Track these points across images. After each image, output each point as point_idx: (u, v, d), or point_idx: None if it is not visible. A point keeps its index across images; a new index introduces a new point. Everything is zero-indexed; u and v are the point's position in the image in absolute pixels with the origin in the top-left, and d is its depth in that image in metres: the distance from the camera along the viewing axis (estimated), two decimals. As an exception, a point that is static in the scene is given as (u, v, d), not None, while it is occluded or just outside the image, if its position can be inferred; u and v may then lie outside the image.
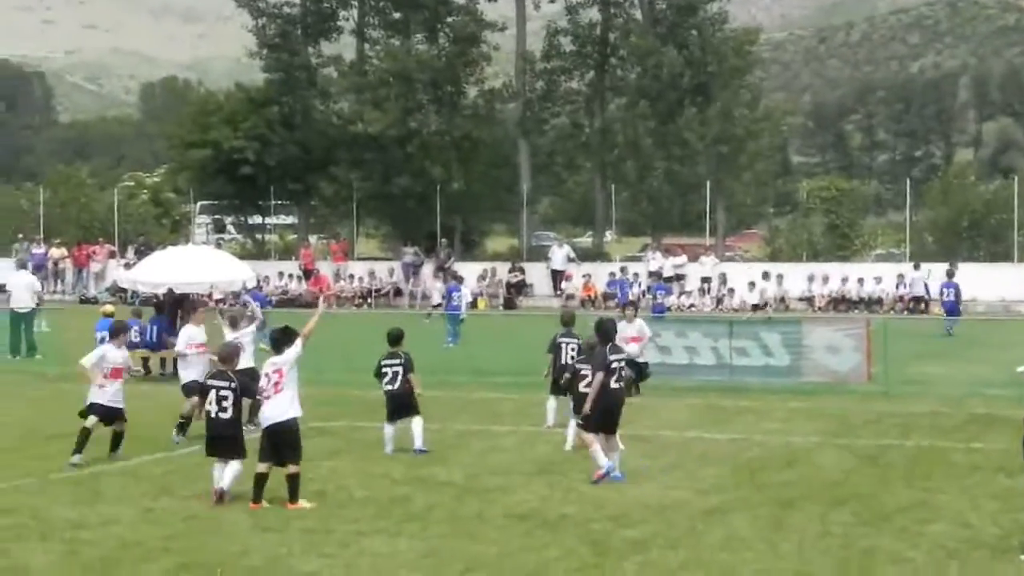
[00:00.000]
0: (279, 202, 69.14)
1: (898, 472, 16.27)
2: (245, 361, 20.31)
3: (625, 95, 64.86)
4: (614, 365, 15.91)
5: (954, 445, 16.63)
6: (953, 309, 39.14)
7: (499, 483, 15.81)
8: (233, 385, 14.79)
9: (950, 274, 41.08)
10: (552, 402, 19.93)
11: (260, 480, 14.26)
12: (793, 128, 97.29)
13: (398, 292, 55.72)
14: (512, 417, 17.01)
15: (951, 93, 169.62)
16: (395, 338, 18.22)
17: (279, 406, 14.32)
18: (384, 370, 17.93)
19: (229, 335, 20.53)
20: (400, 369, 17.84)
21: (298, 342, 14.62)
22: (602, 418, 15.76)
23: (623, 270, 53.37)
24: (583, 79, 65.87)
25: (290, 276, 55.98)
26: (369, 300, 54.44)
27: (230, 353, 15.55)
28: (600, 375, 15.71)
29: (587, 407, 15.73)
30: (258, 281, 37.68)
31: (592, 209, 69.52)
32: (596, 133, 65.26)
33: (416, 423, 17.82)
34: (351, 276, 56.79)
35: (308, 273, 54.76)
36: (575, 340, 19.95)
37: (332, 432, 19.94)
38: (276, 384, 14.34)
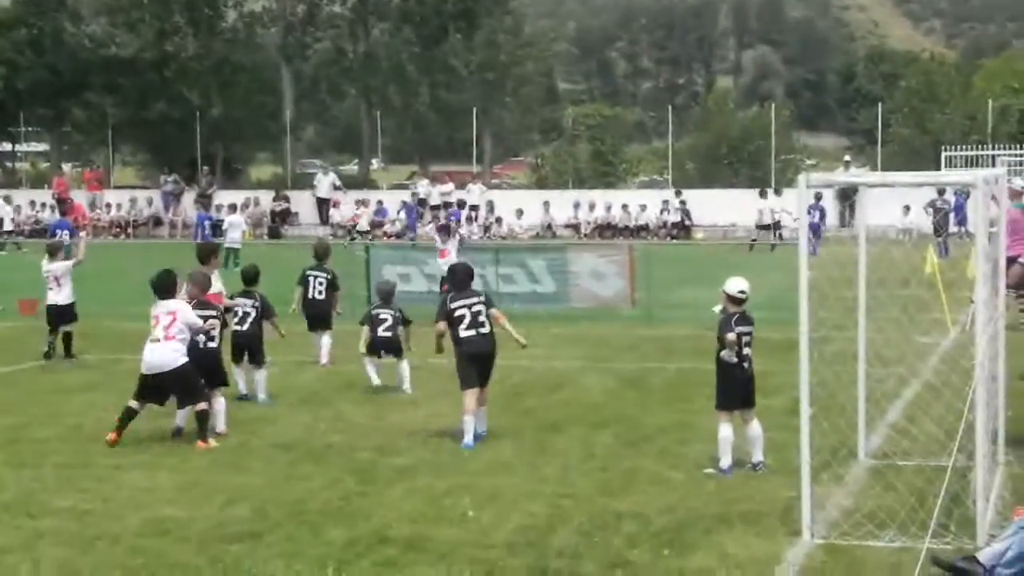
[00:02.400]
0: (29, 128, 66.64)
1: (659, 394, 16.65)
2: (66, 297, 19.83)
3: (388, 20, 64.37)
4: (459, 312, 13.97)
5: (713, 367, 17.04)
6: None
7: (262, 413, 15.58)
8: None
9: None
10: (323, 339, 19.66)
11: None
12: (558, 55, 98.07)
13: (158, 222, 54.40)
14: (272, 347, 16.76)
15: (712, 21, 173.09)
16: (251, 277, 17.17)
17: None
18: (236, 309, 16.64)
19: (47, 266, 19.97)
20: (253, 312, 16.62)
21: None
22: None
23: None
24: (345, 3, 65.08)
25: (43, 205, 53.97)
26: (128, 230, 52.99)
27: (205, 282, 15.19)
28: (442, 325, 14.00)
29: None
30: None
31: (358, 136, 68.95)
32: (360, 58, 64.64)
33: (262, 374, 16.60)
34: (107, 205, 55.11)
35: (62, 202, 52.88)
36: (324, 275, 19.77)
37: (89, 365, 19.40)
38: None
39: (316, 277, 19.78)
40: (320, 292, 19.60)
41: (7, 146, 69.06)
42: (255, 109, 64.65)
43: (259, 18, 65.63)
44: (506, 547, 9.97)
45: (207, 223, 37.97)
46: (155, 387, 13.96)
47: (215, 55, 62.18)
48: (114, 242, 48.69)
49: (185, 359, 13.92)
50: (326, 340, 19.52)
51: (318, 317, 19.74)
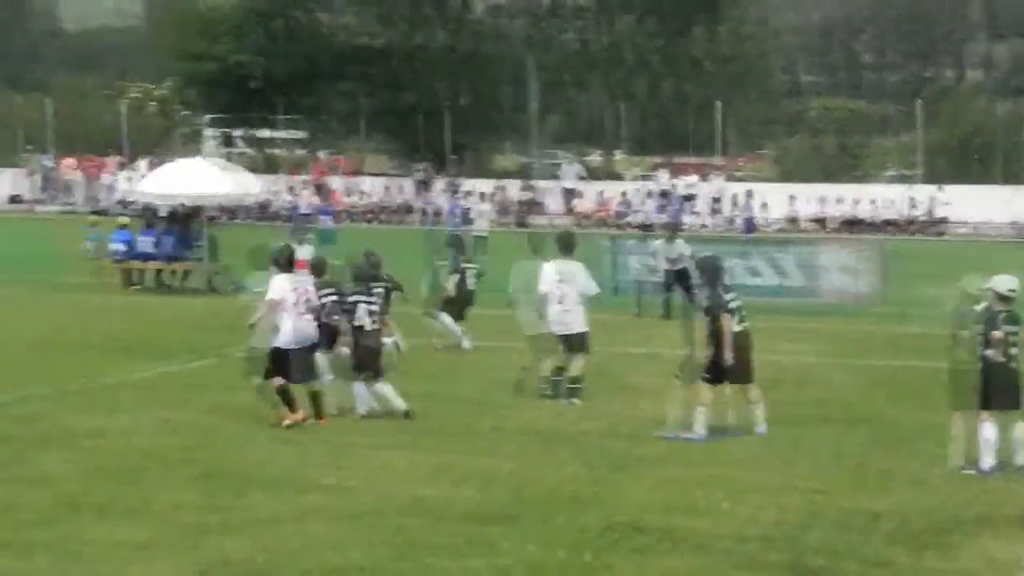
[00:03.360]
0: (288, 116, 68.81)
1: (913, 394, 16.26)
2: None
3: (634, 11, 64.33)
4: (732, 305, 13.96)
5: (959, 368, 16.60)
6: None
7: (512, 400, 15.83)
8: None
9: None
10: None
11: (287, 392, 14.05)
12: (803, 47, 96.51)
13: (409, 209, 55.62)
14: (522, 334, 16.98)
15: (961, 13, 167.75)
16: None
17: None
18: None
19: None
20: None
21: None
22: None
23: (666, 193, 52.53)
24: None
25: (300, 191, 55.77)
26: (381, 216, 54.34)
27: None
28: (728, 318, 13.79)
29: (726, 355, 13.69)
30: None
31: (601, 127, 69.12)
32: (604, 49, 64.75)
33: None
34: (361, 192, 56.63)
35: (319, 188, 54.55)
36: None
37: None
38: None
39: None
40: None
41: (266, 132, 71.47)
42: (500, 99, 65.48)
43: (506, 10, 66.40)
44: (762, 541, 9.94)
45: (458, 211, 38.81)
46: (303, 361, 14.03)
47: (463, 46, 63.17)
48: (368, 227, 49.94)
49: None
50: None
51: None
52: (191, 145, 70.86)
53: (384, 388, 14.57)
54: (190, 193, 28.40)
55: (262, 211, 51.36)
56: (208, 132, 73.95)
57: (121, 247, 28.38)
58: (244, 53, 63.60)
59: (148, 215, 30.39)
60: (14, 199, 60.98)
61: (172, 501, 10.75)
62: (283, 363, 13.80)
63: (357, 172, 59.38)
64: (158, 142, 69.41)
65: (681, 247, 24.27)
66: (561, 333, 15.83)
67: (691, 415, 13.70)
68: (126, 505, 10.58)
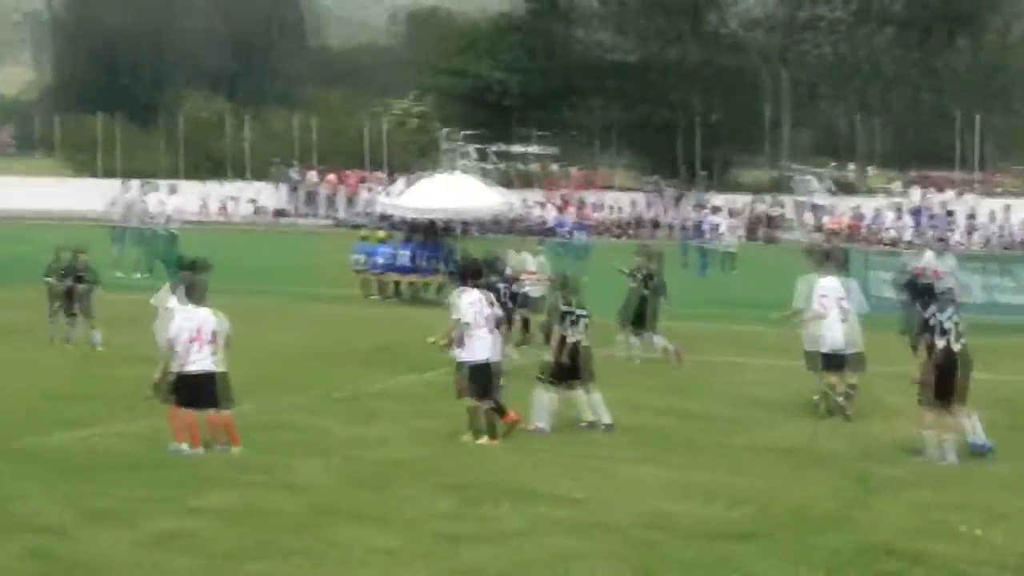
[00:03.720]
0: (538, 132, 69.59)
1: None
2: None
3: (892, 24, 62.91)
4: (947, 324, 13.39)
5: None
6: None
7: (762, 417, 15.67)
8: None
9: None
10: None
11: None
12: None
13: (656, 224, 55.54)
14: (774, 351, 16.78)
15: None
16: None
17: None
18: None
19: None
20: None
21: None
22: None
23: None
24: (847, 7, 64.08)
25: (548, 206, 56.29)
26: (629, 231, 54.44)
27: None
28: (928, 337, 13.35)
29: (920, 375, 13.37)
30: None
31: (848, 141, 67.76)
32: (857, 64, 63.48)
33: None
34: (608, 207, 56.83)
35: (566, 203, 54.96)
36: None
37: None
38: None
39: None
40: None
41: (517, 148, 72.43)
42: (746, 113, 64.89)
43: (761, 24, 65.75)
44: (1019, 571, 9.59)
45: (706, 226, 38.57)
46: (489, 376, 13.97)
47: (717, 60, 62.83)
48: (614, 242, 50.08)
49: None
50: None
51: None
52: (446, 161, 72.36)
53: (595, 398, 14.73)
54: (446, 207, 29.07)
55: (513, 226, 52.02)
56: (460, 148, 75.40)
57: (380, 260, 29.25)
58: (501, 70, 64.63)
59: (405, 229, 31.18)
60: (279, 213, 63.32)
61: (422, 510, 11.00)
62: (483, 378, 13.83)
63: (607, 187, 59.65)
64: (415, 158, 71.05)
65: (945, 262, 23.61)
66: (842, 351, 15.70)
67: (940, 438, 13.30)
68: (379, 513, 10.87)
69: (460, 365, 13.88)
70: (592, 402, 14.76)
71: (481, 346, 13.80)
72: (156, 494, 11.23)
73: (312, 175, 63.76)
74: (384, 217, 53.33)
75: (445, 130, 71.95)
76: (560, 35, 65.98)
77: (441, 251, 29.13)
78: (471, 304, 13.85)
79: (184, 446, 12.75)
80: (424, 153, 73.79)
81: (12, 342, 20.52)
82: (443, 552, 9.82)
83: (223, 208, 62.41)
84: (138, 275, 30.82)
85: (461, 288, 14.19)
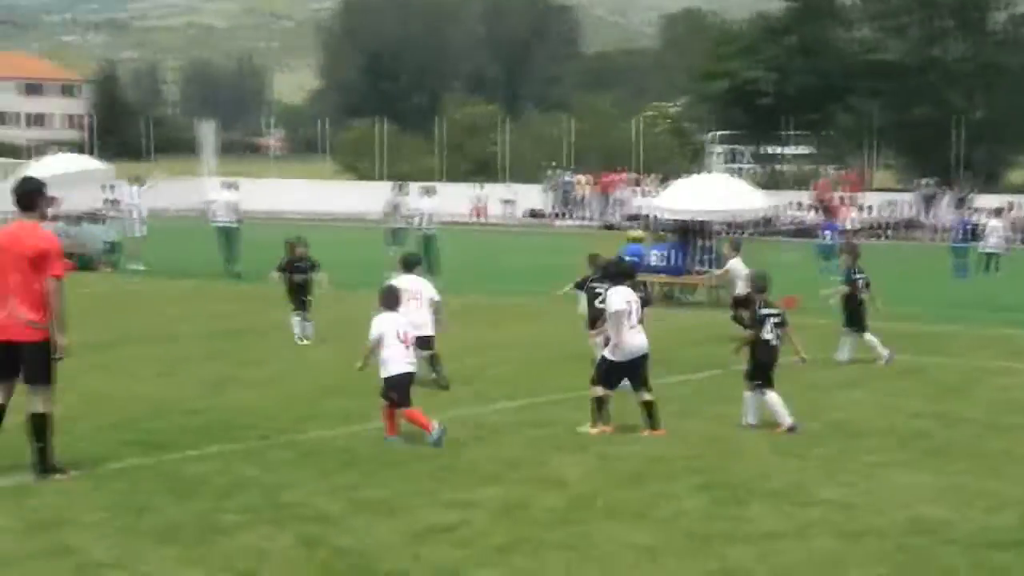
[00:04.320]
0: (795, 132, 68.81)
1: None
2: None
3: None
4: None
5: None
6: None
7: (1022, 422, 15.28)
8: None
9: None
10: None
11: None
12: None
13: (913, 224, 54.27)
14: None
15: None
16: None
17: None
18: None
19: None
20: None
21: None
22: None
23: None
24: None
25: (805, 207, 55.68)
26: (888, 232, 53.36)
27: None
28: None
29: None
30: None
31: None
32: None
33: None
34: (869, 207, 55.80)
35: (822, 204, 54.30)
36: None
37: (853, 362, 19.83)
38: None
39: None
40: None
41: (773, 149, 71.74)
42: (1014, 111, 62.72)
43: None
44: None
45: (967, 227, 37.55)
46: (633, 369, 14.27)
47: (981, 57, 60.95)
48: (871, 243, 49.18)
49: None
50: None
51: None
52: (699, 161, 72.27)
53: (774, 398, 14.75)
54: (699, 208, 29.13)
55: (766, 226, 51.64)
56: (715, 148, 75.14)
57: (633, 260, 29.40)
58: (757, 70, 64.10)
59: (658, 229, 31.36)
60: (534, 214, 64.27)
61: (677, 508, 11.16)
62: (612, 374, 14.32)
63: (863, 187, 58.57)
64: (668, 159, 71.15)
65: None
66: None
67: None
68: (633, 509, 11.06)
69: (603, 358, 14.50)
70: (772, 402, 14.80)
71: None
72: (421, 487, 11.68)
73: (572, 177, 64.53)
74: (635, 217, 53.84)
75: (713, 133, 71.93)
76: (820, 34, 65.03)
77: (696, 252, 29.24)
78: (626, 301, 14.33)
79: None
80: (681, 154, 73.89)
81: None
82: (694, 550, 9.94)
83: (480, 209, 63.68)
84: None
85: (612, 287, 14.71)
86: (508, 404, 15.81)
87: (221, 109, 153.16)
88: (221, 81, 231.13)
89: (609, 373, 14.36)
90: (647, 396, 14.33)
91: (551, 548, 9.93)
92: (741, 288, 20.68)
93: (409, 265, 17.82)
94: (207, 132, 74.72)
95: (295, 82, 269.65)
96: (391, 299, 14.20)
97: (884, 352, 19.67)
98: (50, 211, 35.85)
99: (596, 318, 16.99)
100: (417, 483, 11.83)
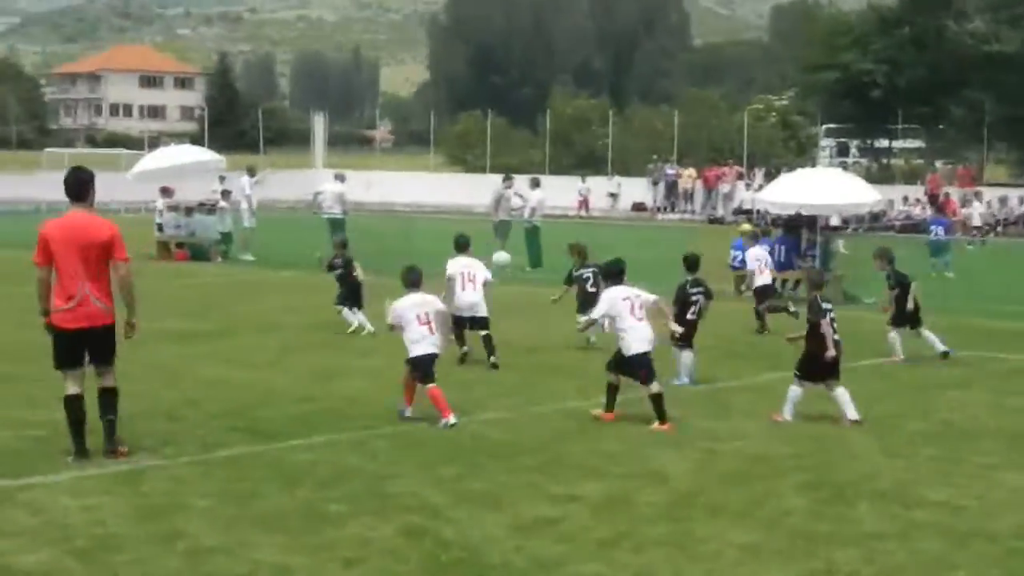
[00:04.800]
0: (906, 126, 67.84)
1: None
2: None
3: None
4: None
5: None
6: None
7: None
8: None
9: None
10: None
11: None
12: None
13: (1026, 221, 53.29)
14: None
15: None
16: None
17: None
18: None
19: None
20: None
21: None
22: None
23: None
24: None
25: (915, 201, 54.88)
26: (997, 229, 52.39)
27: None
28: None
29: None
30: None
31: None
32: None
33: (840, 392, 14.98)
34: (984, 203, 54.77)
35: (934, 199, 53.42)
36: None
37: (963, 362, 19.50)
38: None
39: None
40: None
41: (883, 142, 70.80)
42: None
43: None
44: None
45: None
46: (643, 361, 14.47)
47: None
48: (987, 241, 48.35)
49: None
50: None
51: None
52: (807, 155, 71.56)
53: (841, 394, 14.69)
54: (807, 202, 28.82)
55: (875, 221, 51.04)
56: (824, 142, 74.35)
57: (738, 255, 29.16)
58: (868, 62, 63.32)
59: (764, 224, 31.10)
60: (637, 207, 64.09)
61: (781, 507, 11.10)
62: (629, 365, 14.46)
63: (975, 182, 57.56)
64: (775, 152, 70.53)
65: None
66: None
67: None
68: (736, 508, 11.02)
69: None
70: (840, 398, 14.75)
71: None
72: (524, 480, 11.75)
73: (674, 170, 64.29)
74: (743, 211, 53.51)
75: (825, 127, 71.19)
76: (933, 26, 64.03)
77: (801, 247, 28.98)
78: (614, 301, 14.55)
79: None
80: (788, 147, 73.18)
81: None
82: (798, 550, 9.88)
83: (584, 202, 63.65)
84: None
85: (607, 285, 15.02)
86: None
87: (331, 101, 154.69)
88: (331, 73, 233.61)
89: (620, 364, 14.57)
90: (655, 388, 14.39)
91: (653, 544, 9.94)
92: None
93: (461, 247, 18.53)
94: (318, 124, 75.59)
95: (403, 75, 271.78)
96: (413, 279, 14.65)
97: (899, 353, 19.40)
98: (164, 201, 36.70)
99: (586, 302, 18.05)
100: (520, 476, 11.90)
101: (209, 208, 37.83)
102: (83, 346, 12.05)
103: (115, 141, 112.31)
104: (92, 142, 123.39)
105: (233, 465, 12.14)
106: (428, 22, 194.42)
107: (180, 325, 21.94)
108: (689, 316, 16.74)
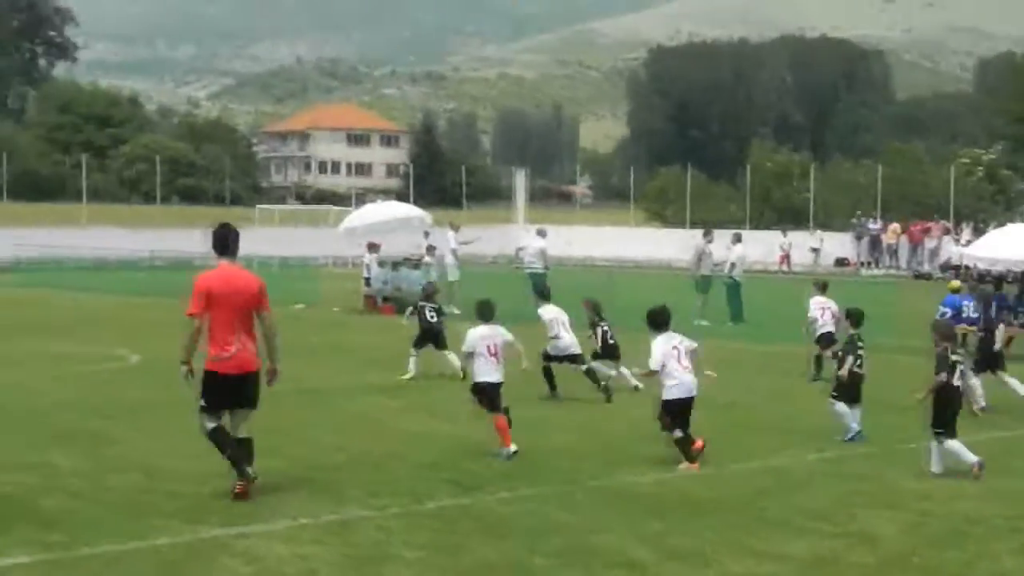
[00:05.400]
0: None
1: None
2: None
3: None
4: None
5: None
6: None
7: None
8: None
9: None
10: None
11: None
12: None
13: None
14: None
15: None
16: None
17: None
18: None
19: None
20: None
21: None
22: None
23: None
24: None
25: None
26: None
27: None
28: None
29: None
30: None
31: None
32: None
33: None
34: None
35: None
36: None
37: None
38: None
39: None
40: None
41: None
42: None
43: None
44: None
45: None
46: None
47: None
48: None
49: None
50: None
51: None
52: (1014, 209, 69.57)
53: (954, 445, 14.52)
54: (1017, 258, 28.09)
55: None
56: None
57: (947, 311, 28.47)
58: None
59: (972, 279, 30.30)
60: (840, 262, 63.14)
61: (997, 569, 10.81)
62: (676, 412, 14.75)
63: None
64: (983, 207, 68.79)
65: None
66: None
67: None
68: (951, 570, 10.76)
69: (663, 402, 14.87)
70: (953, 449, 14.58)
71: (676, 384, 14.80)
72: (730, 537, 11.63)
73: (876, 224, 63.29)
74: (952, 267, 52.24)
75: (1016, 179, 69.21)
76: None
77: (1014, 304, 28.17)
78: (665, 349, 14.83)
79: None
80: (996, 202, 71.30)
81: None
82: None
83: (785, 257, 63.00)
84: (704, 322, 31.39)
85: (653, 334, 15.07)
86: (816, 455, 15.59)
87: (531, 157, 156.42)
88: (531, 130, 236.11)
89: (672, 414, 14.73)
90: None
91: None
92: None
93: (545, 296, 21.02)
94: (519, 180, 76.51)
95: (602, 130, 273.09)
96: (486, 312, 16.15)
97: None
98: (372, 256, 37.55)
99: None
100: (725, 533, 11.81)
101: (415, 263, 38.50)
102: (232, 391, 12.75)
103: (323, 197, 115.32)
104: (301, 198, 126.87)
105: (440, 517, 12.29)
106: (628, 78, 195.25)
107: (384, 378, 22.36)
108: (855, 369, 16.50)
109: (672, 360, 14.72)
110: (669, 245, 62.96)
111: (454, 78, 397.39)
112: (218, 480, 13.23)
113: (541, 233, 38.40)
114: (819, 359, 22.07)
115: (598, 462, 14.88)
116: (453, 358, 21.58)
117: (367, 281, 37.52)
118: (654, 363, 14.83)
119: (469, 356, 15.81)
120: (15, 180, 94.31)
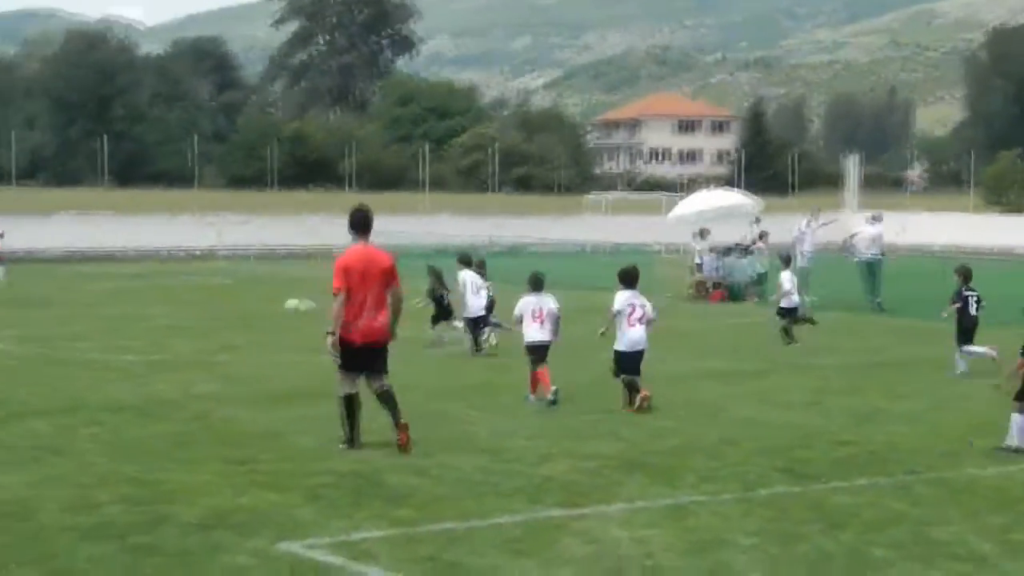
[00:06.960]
0: None
1: None
2: None
3: None
4: None
5: None
6: None
7: None
8: None
9: None
10: None
11: None
12: None
13: None
14: None
15: None
16: None
17: None
18: None
19: None
20: None
21: None
22: None
23: None
24: None
25: None
26: None
27: None
28: None
29: None
30: None
31: None
32: None
33: None
34: None
35: None
36: None
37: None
38: None
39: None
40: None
41: None
42: None
43: None
44: None
45: None
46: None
47: None
48: None
49: None
50: None
51: None
52: None
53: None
54: None
55: None
56: None
57: None
58: None
59: None
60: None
61: None
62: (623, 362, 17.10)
63: None
64: None
65: None
66: None
67: None
68: None
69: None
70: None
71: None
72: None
73: None
74: None
75: None
76: None
77: None
78: (623, 302, 17.25)
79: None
80: None
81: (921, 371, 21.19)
82: None
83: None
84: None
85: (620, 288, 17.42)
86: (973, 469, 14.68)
87: (863, 143, 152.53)
88: (864, 115, 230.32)
89: (618, 363, 17.08)
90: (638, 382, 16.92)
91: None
92: None
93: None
94: (851, 166, 74.90)
95: (938, 114, 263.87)
96: (535, 284, 18.10)
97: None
98: (703, 243, 37.52)
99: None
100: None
101: (744, 249, 38.23)
102: (364, 358, 13.99)
103: (652, 185, 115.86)
104: (631, 186, 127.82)
105: (774, 505, 12.26)
106: (966, 60, 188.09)
107: (717, 364, 22.40)
108: None
109: (624, 316, 17.09)
110: (1012, 231, 60.41)
111: (786, 64, 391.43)
112: (557, 460, 13.59)
113: (877, 218, 37.34)
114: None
115: (933, 454, 14.54)
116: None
117: (699, 267, 37.55)
118: (613, 310, 17.22)
119: (519, 320, 17.88)
120: (359, 170, 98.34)
